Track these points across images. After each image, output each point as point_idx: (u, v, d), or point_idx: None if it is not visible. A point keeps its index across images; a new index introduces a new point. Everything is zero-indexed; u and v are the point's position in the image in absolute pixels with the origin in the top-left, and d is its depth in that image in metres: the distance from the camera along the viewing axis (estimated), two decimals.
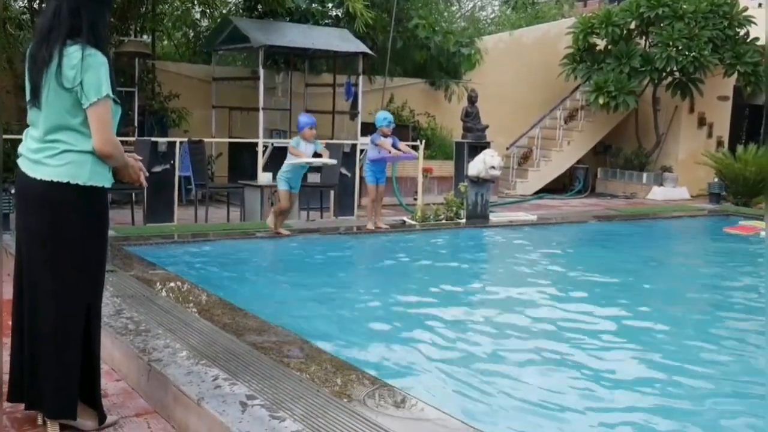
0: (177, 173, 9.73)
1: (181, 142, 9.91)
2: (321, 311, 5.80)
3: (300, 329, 4.67)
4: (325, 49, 12.28)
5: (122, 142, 3.56)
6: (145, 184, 3.56)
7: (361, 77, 12.41)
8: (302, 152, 7.99)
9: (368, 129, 12.96)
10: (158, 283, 5.65)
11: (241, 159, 11.86)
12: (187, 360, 3.86)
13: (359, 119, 12.31)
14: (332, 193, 10.68)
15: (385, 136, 8.76)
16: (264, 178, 10.06)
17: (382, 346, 4.95)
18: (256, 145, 11.01)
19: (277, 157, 11.03)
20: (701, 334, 5.68)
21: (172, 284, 5.71)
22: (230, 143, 12.23)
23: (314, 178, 10.79)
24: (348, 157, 11.00)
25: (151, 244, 7.43)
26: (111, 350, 4.26)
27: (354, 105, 12.73)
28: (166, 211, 9.39)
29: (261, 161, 10.83)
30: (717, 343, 5.43)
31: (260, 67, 11.29)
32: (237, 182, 10.49)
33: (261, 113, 11.16)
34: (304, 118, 8.31)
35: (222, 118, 12.86)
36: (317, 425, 3.12)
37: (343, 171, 10.81)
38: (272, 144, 11.23)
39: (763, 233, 10.40)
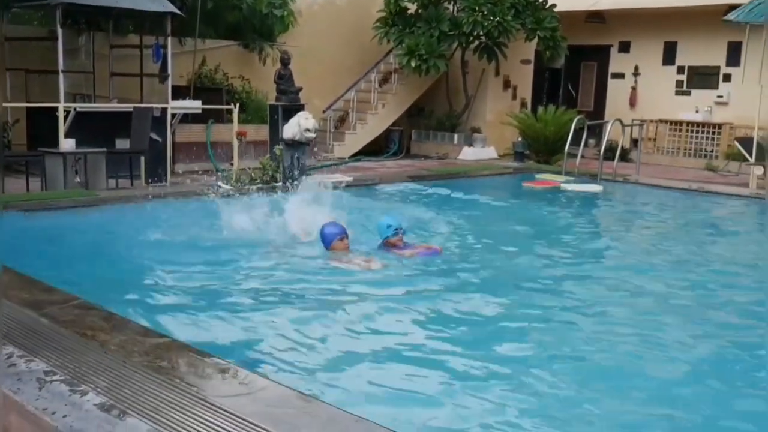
0: None
1: None
2: (127, 280, 5.61)
3: (105, 300, 4.48)
4: (129, 8, 11.67)
5: None
6: None
7: (170, 39, 11.93)
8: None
9: (179, 92, 12.56)
10: None
11: (42, 125, 11.10)
12: None
13: (169, 82, 11.84)
14: (142, 159, 10.27)
15: (394, 246, 6.55)
16: (66, 144, 9.50)
17: (195, 314, 4.86)
18: (56, 110, 10.34)
19: (81, 122, 10.45)
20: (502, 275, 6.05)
21: None
22: (28, 108, 11.41)
23: (123, 144, 10.34)
24: (158, 122, 10.60)
25: None
26: None
27: (164, 68, 12.22)
28: None
29: (63, 127, 10.19)
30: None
31: (58, 26, 10.57)
32: (37, 150, 9.84)
33: (61, 76, 10.48)
34: (330, 230, 6.43)
35: (18, 81, 11.96)
36: (122, 396, 3.03)
37: (154, 136, 10.43)
38: (74, 109, 10.59)
39: (563, 186, 11.24)
